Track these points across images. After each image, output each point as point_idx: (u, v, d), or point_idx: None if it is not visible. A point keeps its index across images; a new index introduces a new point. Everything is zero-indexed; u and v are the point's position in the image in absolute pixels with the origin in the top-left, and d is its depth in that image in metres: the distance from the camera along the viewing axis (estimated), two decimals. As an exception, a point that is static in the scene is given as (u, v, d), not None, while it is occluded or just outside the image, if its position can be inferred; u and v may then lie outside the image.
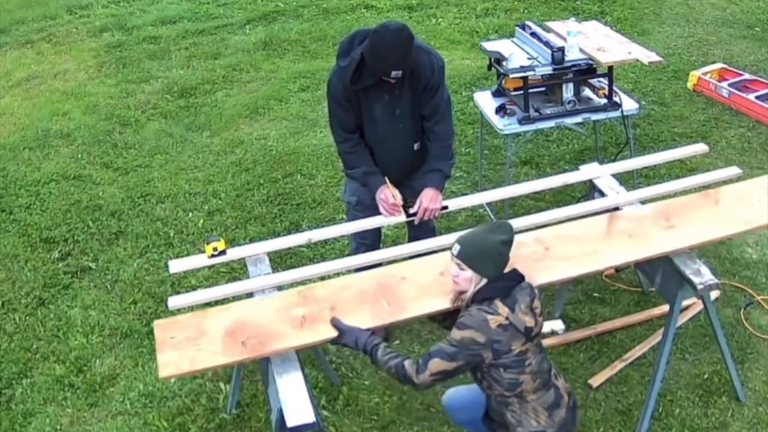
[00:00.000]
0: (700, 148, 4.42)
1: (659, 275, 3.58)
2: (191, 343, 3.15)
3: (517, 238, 3.08)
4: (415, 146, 3.94)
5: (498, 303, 2.90)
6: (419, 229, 4.05)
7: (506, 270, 2.97)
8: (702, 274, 3.39)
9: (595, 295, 4.51)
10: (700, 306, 4.21)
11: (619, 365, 4.03)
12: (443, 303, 3.22)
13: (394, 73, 3.62)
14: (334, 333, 3.14)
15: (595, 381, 3.96)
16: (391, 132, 3.85)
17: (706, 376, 3.95)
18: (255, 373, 4.07)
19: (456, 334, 2.90)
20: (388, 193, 3.87)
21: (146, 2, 9.45)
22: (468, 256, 2.93)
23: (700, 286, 3.36)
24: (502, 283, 2.94)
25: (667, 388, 3.87)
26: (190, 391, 4.08)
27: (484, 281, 2.93)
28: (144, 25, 8.77)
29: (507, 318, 2.89)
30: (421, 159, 3.97)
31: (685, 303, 3.78)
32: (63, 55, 8.23)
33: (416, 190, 3.95)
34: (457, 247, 2.96)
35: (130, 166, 6.10)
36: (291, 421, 2.87)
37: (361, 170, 3.90)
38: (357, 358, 4.20)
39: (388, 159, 3.93)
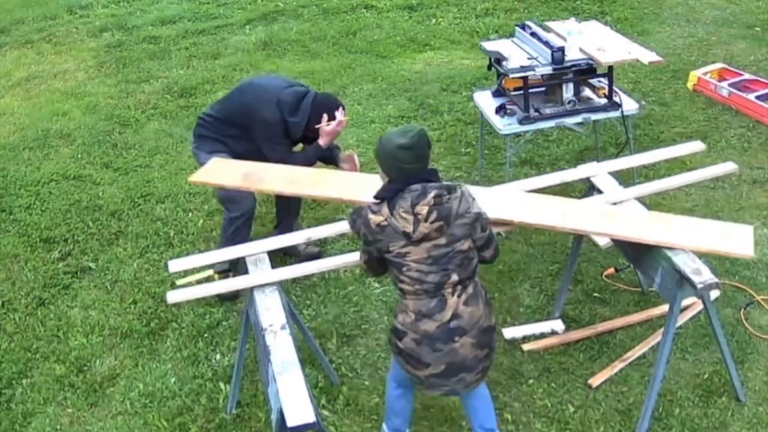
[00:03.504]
0: (697, 146, 4.42)
1: (659, 275, 3.58)
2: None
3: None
4: None
5: (384, 204, 3.01)
6: None
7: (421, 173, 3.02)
8: (702, 274, 3.38)
9: (595, 295, 4.51)
10: (700, 306, 4.21)
11: (619, 365, 4.03)
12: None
13: None
14: None
15: (595, 381, 3.96)
16: None
17: (706, 376, 3.95)
18: (255, 373, 4.07)
19: (353, 226, 3.14)
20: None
21: (146, 2, 9.46)
22: (376, 155, 3.09)
23: (700, 286, 3.35)
24: (394, 185, 3.01)
25: (667, 388, 3.87)
26: (190, 391, 4.08)
27: (386, 180, 3.05)
28: (144, 25, 8.78)
29: (386, 219, 2.99)
30: None
31: (685, 303, 3.77)
32: (63, 55, 8.24)
33: None
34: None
35: (130, 166, 6.10)
36: (291, 421, 2.87)
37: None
38: (357, 358, 4.21)
39: None
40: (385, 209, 3.00)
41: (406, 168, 2.98)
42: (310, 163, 4.47)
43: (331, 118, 4.43)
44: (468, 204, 3.03)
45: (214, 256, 3.79)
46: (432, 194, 2.96)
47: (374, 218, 3.01)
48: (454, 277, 3.05)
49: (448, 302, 3.06)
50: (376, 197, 3.03)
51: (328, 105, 4.48)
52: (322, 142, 4.45)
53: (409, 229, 2.96)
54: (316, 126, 4.43)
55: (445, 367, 3.11)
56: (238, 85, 4.83)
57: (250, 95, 4.52)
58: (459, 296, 3.07)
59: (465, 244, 3.04)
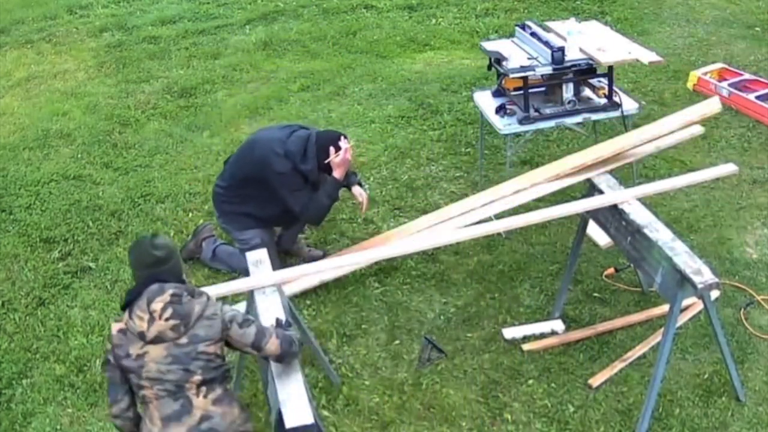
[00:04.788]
0: (729, 168, 4.21)
1: (659, 274, 3.58)
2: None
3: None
4: None
5: (127, 309, 2.94)
6: None
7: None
8: (702, 274, 3.38)
9: (595, 295, 4.51)
10: (700, 306, 4.21)
11: (619, 365, 4.03)
12: None
13: None
14: None
15: (595, 381, 3.96)
16: None
17: (706, 376, 3.95)
18: (255, 373, 4.07)
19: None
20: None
21: (146, 2, 9.45)
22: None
23: (700, 286, 3.36)
24: (136, 287, 2.95)
25: (667, 388, 3.87)
26: (190, 391, 4.07)
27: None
28: (144, 25, 8.77)
29: (125, 323, 2.92)
30: None
31: (684, 303, 3.77)
32: (63, 55, 8.23)
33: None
34: None
35: (130, 166, 6.10)
36: (289, 423, 2.86)
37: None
38: (357, 358, 4.21)
39: None
40: (126, 314, 2.93)
41: (147, 270, 2.95)
42: (333, 199, 4.53)
43: (337, 149, 4.46)
44: (215, 309, 2.96)
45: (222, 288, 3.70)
46: (170, 292, 2.90)
47: (115, 325, 2.94)
48: (198, 378, 2.91)
49: (193, 403, 2.91)
50: (121, 307, 2.98)
51: (332, 138, 4.51)
52: (337, 174, 4.48)
53: (144, 327, 2.87)
54: (326, 162, 4.47)
55: None
56: (241, 145, 4.88)
57: (258, 152, 4.55)
58: (205, 396, 2.93)
59: (211, 347, 2.92)
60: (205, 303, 2.96)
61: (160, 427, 2.91)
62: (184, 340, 2.89)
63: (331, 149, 4.45)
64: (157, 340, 2.88)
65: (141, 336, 2.88)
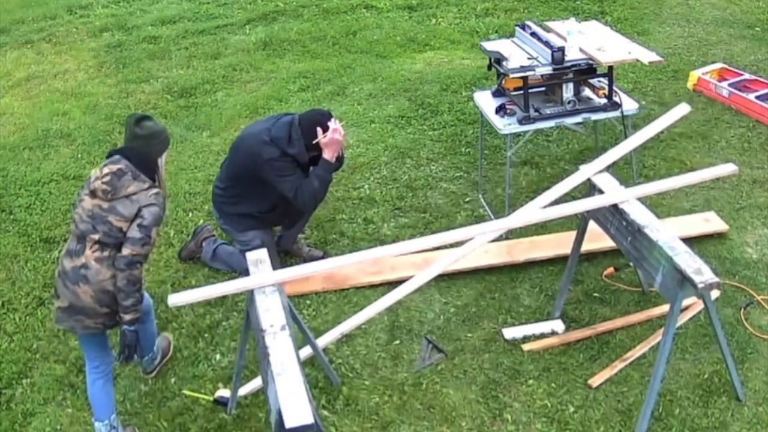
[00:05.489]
0: (729, 168, 4.17)
1: (660, 274, 3.58)
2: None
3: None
4: None
5: None
6: None
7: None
8: (703, 273, 3.38)
9: (595, 295, 4.51)
10: (700, 306, 4.21)
11: (619, 365, 4.03)
12: None
13: None
14: None
15: (595, 381, 3.96)
16: None
17: (706, 376, 3.95)
18: (255, 374, 4.07)
19: None
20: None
21: (146, 2, 9.46)
22: None
23: (700, 285, 3.35)
24: (112, 150, 3.70)
25: (667, 388, 3.87)
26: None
27: None
28: (144, 25, 8.77)
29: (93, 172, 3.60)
30: None
31: (685, 303, 3.77)
32: (63, 55, 8.24)
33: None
34: None
35: (130, 166, 6.09)
36: (289, 422, 2.87)
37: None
38: (357, 358, 4.21)
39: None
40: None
41: (126, 139, 3.64)
42: (324, 181, 4.48)
43: (325, 129, 4.43)
44: (148, 201, 3.50)
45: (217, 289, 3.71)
46: (119, 165, 3.53)
47: (94, 170, 3.63)
48: (96, 236, 3.51)
49: (85, 252, 3.53)
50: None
51: (316, 118, 4.47)
52: (327, 155, 4.45)
53: (91, 180, 3.55)
54: (314, 142, 4.43)
55: (68, 304, 3.56)
56: (231, 144, 4.89)
57: (245, 145, 4.57)
58: (93, 252, 3.51)
59: (120, 223, 3.49)
60: (143, 192, 3.51)
61: (63, 255, 3.62)
62: (105, 205, 3.52)
63: (319, 130, 4.41)
64: (92, 194, 3.55)
65: (87, 185, 3.57)
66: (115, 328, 3.66)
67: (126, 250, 3.47)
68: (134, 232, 3.47)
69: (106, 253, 3.50)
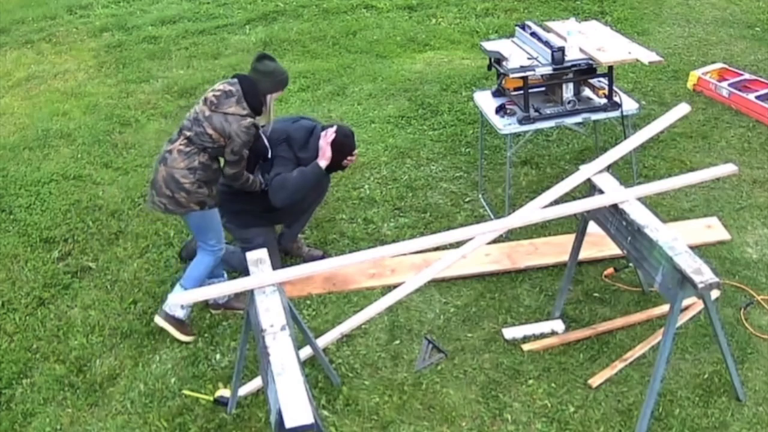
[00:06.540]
0: (729, 168, 4.18)
1: (660, 274, 3.58)
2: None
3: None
4: None
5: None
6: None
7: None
8: (703, 273, 3.38)
9: (595, 295, 4.51)
10: (700, 306, 4.21)
11: (619, 365, 4.03)
12: None
13: None
14: None
15: (595, 381, 3.96)
16: None
17: (706, 376, 3.95)
18: (255, 374, 4.07)
19: None
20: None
21: (146, 2, 9.46)
22: None
23: (700, 285, 3.35)
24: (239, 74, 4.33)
25: (667, 388, 3.87)
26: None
27: None
28: (144, 25, 8.78)
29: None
30: None
31: (685, 303, 3.77)
32: (63, 55, 8.24)
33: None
34: None
35: (130, 166, 6.10)
36: (289, 422, 2.87)
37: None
38: (357, 358, 4.21)
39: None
40: None
41: (251, 68, 4.24)
42: (307, 179, 4.45)
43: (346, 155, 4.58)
44: (239, 129, 4.03)
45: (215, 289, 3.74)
46: (231, 88, 4.11)
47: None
48: (188, 134, 4.12)
49: (177, 142, 4.16)
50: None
51: (340, 139, 4.52)
52: (320, 160, 4.48)
53: (210, 89, 4.18)
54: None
55: (152, 179, 4.23)
56: None
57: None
58: (181, 144, 4.13)
59: (210, 130, 4.07)
60: (237, 118, 4.05)
61: (171, 137, 4.26)
62: (207, 113, 4.09)
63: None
64: (204, 101, 4.14)
65: (204, 92, 4.21)
66: (175, 215, 4.30)
67: (227, 170, 4.19)
68: (229, 156, 4.12)
69: (188, 149, 4.10)
